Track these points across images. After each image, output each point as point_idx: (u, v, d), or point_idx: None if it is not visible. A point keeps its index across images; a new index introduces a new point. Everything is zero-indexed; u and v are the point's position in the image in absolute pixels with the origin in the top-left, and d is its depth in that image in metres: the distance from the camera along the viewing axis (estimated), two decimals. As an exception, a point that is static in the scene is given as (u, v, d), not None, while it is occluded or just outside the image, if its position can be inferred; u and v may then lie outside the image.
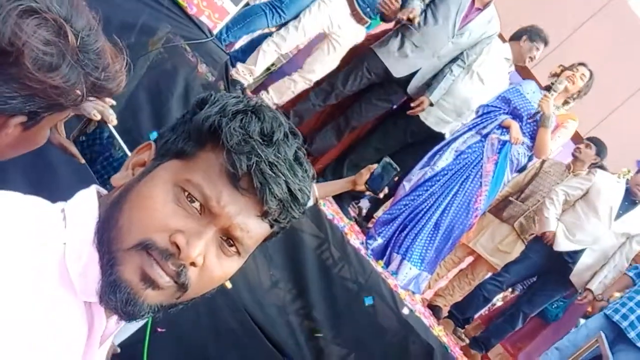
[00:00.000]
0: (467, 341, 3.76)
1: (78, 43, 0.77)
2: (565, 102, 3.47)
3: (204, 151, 0.67)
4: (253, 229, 0.68)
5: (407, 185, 3.56)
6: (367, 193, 2.38)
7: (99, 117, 1.24)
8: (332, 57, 3.42)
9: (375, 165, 2.22)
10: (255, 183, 0.65)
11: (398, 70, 3.45)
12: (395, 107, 3.78)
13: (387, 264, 3.48)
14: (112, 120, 1.26)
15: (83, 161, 1.29)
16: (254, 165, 0.65)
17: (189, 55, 2.94)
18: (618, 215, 3.61)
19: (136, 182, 0.69)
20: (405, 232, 3.49)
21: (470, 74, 3.56)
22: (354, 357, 3.05)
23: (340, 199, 3.70)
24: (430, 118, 3.63)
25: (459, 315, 3.77)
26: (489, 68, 3.58)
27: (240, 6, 3.02)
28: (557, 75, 3.56)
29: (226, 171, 0.65)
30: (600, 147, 3.92)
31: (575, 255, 3.59)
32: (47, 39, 0.74)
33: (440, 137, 3.70)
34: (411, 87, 3.54)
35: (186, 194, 0.66)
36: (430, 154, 3.56)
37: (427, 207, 3.50)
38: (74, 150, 1.31)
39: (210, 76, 3.01)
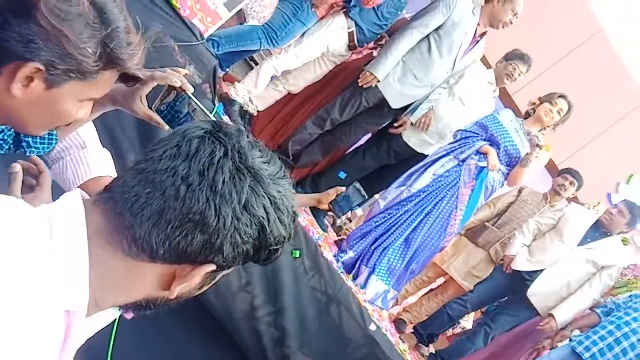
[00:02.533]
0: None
1: (96, 8, 0.86)
2: (542, 129, 3.55)
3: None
4: None
5: (382, 203, 3.60)
6: (329, 213, 2.42)
7: (179, 84, 1.28)
8: (319, 74, 3.47)
9: (344, 188, 2.26)
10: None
11: (397, 102, 3.51)
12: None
13: (356, 277, 3.51)
14: (189, 88, 1.31)
15: (167, 128, 1.32)
16: None
17: (177, 56, 2.94)
18: (585, 242, 3.69)
19: (196, 293, 0.83)
20: (375, 246, 3.53)
21: (452, 97, 3.63)
22: (319, 367, 3.06)
23: (317, 210, 3.73)
24: (414, 139, 3.68)
25: (422, 331, 3.82)
26: (471, 91, 3.65)
27: (233, 13, 3.03)
28: (535, 105, 3.64)
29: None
30: (580, 182, 4.02)
31: (534, 274, 3.67)
32: None
33: (422, 157, 3.75)
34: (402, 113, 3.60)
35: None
36: (407, 174, 3.61)
37: (400, 224, 3.54)
38: (158, 119, 1.34)
39: (197, 79, 3.00)
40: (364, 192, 2.29)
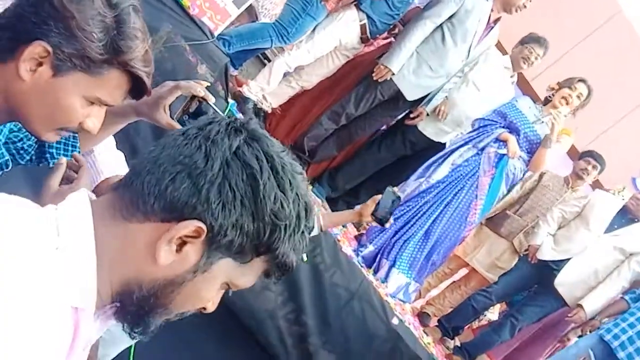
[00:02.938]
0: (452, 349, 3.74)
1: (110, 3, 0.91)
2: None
3: (260, 259, 0.74)
4: None
5: (401, 195, 3.56)
6: (374, 224, 2.44)
7: (202, 94, 1.32)
8: (331, 69, 3.44)
9: (379, 196, 2.26)
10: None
11: (412, 94, 3.46)
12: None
13: (376, 271, 3.48)
14: (211, 98, 1.35)
15: None
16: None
17: (189, 55, 2.93)
18: (612, 229, 3.61)
19: (192, 278, 0.72)
20: (395, 239, 3.50)
21: (466, 83, 3.57)
22: (345, 364, 3.05)
23: (335, 205, 3.71)
24: (429, 129, 3.63)
25: (447, 324, 3.77)
26: (486, 77, 3.58)
27: (242, 9, 3.02)
28: (554, 89, 3.57)
29: (269, 274, 0.77)
30: (602, 165, 3.92)
31: (560, 263, 3.60)
32: None
33: (439, 146, 3.70)
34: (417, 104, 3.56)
35: (228, 286, 0.77)
36: (426, 165, 3.57)
37: (419, 215, 3.50)
38: (179, 128, 1.37)
39: (209, 77, 3.00)
40: (398, 194, 2.30)
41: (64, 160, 1.18)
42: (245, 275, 0.75)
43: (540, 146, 3.44)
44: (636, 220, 3.63)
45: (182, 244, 0.69)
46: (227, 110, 2.89)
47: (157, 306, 0.72)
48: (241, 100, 3.31)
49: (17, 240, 0.63)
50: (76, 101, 0.93)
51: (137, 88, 0.97)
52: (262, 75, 3.38)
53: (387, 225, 2.35)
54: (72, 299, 0.66)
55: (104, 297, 0.70)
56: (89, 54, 0.89)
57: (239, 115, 3.10)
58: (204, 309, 0.78)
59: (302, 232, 0.74)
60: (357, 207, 2.44)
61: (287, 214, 0.71)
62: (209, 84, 1.39)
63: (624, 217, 3.63)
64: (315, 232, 2.25)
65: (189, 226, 0.68)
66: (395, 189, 2.35)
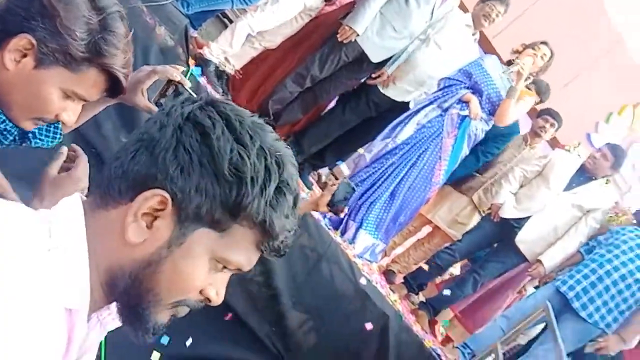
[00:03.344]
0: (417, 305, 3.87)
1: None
2: (525, 79, 3.52)
3: (240, 225, 0.70)
4: None
5: (367, 156, 3.59)
6: (329, 214, 2.49)
7: (178, 78, 1.37)
8: (295, 28, 3.36)
9: (335, 187, 2.30)
10: (281, 252, 0.73)
11: (376, 55, 3.42)
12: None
13: (344, 233, 3.53)
14: (187, 83, 1.40)
15: None
16: (286, 241, 0.73)
17: (146, 17, 2.82)
18: (570, 187, 3.73)
19: (169, 253, 0.69)
20: (361, 201, 3.54)
21: (427, 42, 3.56)
22: (312, 323, 3.11)
23: (301, 168, 3.70)
24: (391, 90, 3.62)
25: (412, 281, 3.88)
26: (447, 35, 3.56)
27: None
28: (518, 52, 3.60)
29: (258, 245, 0.72)
30: (559, 123, 4.01)
31: (521, 221, 3.71)
32: None
33: (403, 104, 3.71)
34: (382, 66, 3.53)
35: (222, 266, 0.72)
36: (391, 125, 3.58)
37: (385, 177, 3.55)
38: (156, 110, 1.44)
39: (169, 40, 2.90)
40: (353, 185, 2.37)
41: (64, 149, 1.25)
42: (231, 248, 0.69)
43: (506, 97, 3.49)
44: (594, 178, 3.76)
45: (152, 220, 0.68)
46: (189, 74, 2.81)
47: (144, 292, 0.69)
48: (203, 62, 3.22)
49: (9, 242, 0.61)
50: (54, 93, 0.99)
51: (114, 87, 1.03)
52: (224, 37, 3.28)
53: (342, 215, 2.41)
54: (65, 301, 0.64)
55: (96, 296, 0.69)
56: (71, 51, 0.96)
57: (201, 79, 3.02)
58: (209, 300, 0.73)
59: (279, 188, 0.69)
60: (312, 197, 2.47)
61: (250, 166, 0.67)
62: (184, 69, 1.42)
63: (582, 175, 3.75)
64: None
65: (150, 197, 0.67)
66: (349, 180, 2.40)
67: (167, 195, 0.67)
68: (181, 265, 0.69)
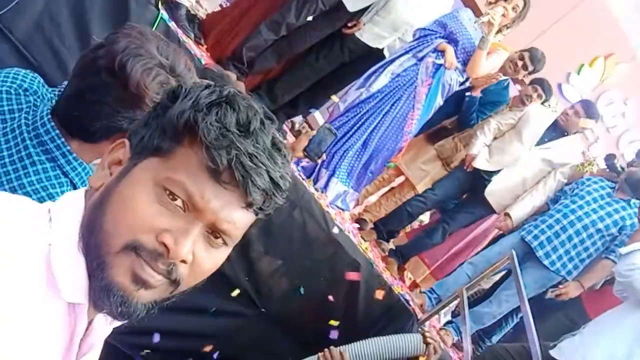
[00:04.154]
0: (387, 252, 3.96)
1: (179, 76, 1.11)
2: (499, 31, 3.51)
3: (182, 147, 0.66)
4: (238, 220, 0.69)
5: (341, 105, 3.57)
6: (305, 159, 2.39)
7: None
8: None
9: (313, 132, 2.21)
10: (237, 176, 0.65)
11: (354, 5, 3.34)
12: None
13: (316, 181, 3.55)
14: None
15: None
16: (234, 158, 0.64)
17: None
18: (542, 142, 3.79)
19: (116, 184, 0.67)
20: (334, 149, 3.54)
21: None
22: (285, 270, 3.17)
23: (275, 116, 3.67)
24: (366, 34, 3.56)
25: (382, 227, 3.95)
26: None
27: None
28: (492, 3, 3.56)
29: (206, 166, 0.65)
30: (548, 97, 4.02)
31: (492, 174, 3.77)
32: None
33: (378, 54, 3.66)
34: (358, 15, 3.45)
35: (168, 192, 0.66)
36: (366, 75, 3.55)
37: (359, 126, 3.54)
38: None
39: (137, -19, 2.77)
40: (334, 130, 2.25)
41: None
42: (174, 168, 0.66)
43: (477, 47, 3.49)
44: (566, 133, 3.82)
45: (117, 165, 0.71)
46: (158, 19, 2.72)
47: (96, 235, 0.65)
48: (173, 6, 3.10)
49: (10, 236, 0.60)
50: None
51: None
52: None
53: (319, 161, 2.33)
54: (66, 295, 0.64)
55: None
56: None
57: (171, 24, 2.92)
58: (167, 249, 0.65)
59: (218, 103, 0.66)
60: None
61: (187, 89, 0.68)
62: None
63: (555, 130, 3.80)
64: None
65: (113, 147, 0.71)
66: (329, 125, 2.31)
67: (126, 141, 0.70)
68: (125, 193, 0.66)
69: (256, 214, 0.70)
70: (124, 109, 1.09)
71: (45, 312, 0.62)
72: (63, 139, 1.15)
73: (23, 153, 1.14)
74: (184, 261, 0.66)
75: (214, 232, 0.68)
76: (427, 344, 2.51)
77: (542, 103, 4.02)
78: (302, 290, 3.07)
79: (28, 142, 1.14)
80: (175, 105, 0.67)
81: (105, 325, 0.71)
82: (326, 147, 2.26)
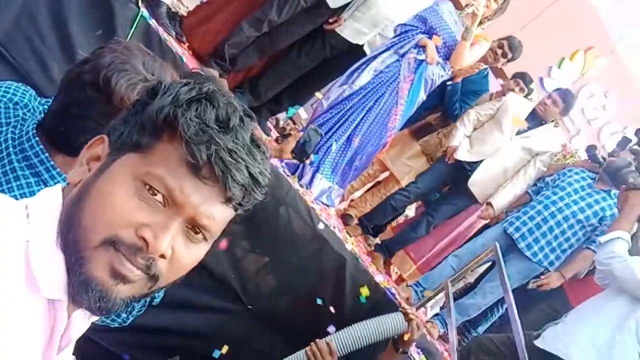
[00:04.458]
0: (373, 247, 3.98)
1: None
2: (480, 23, 3.53)
3: (161, 142, 0.67)
4: (218, 215, 0.69)
5: (325, 102, 3.58)
6: (293, 160, 2.42)
7: None
8: None
9: (301, 134, 2.24)
10: (216, 171, 0.66)
11: (335, 1, 3.36)
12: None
13: (300, 177, 3.55)
14: None
15: None
16: (214, 153, 0.65)
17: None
18: (522, 131, 3.83)
19: (95, 179, 0.67)
20: (318, 145, 3.55)
21: None
22: (271, 267, 3.18)
23: (258, 114, 3.67)
24: (346, 30, 3.57)
25: (367, 222, 3.97)
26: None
27: None
28: None
29: (186, 162, 0.65)
30: (529, 91, 4.09)
31: (474, 165, 3.80)
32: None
33: (359, 51, 3.68)
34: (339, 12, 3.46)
35: (147, 187, 0.66)
36: (349, 72, 3.56)
37: (342, 122, 3.56)
38: None
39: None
40: (320, 131, 2.29)
41: None
42: (153, 163, 0.66)
43: (461, 39, 3.52)
44: (544, 122, 3.86)
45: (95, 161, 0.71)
46: (138, 17, 2.70)
47: (75, 230, 0.65)
48: (153, 4, 3.09)
49: None
50: None
51: None
52: None
53: (307, 162, 2.36)
54: (45, 291, 0.64)
55: None
56: None
57: (152, 22, 2.90)
58: (146, 243, 0.65)
59: (197, 99, 0.67)
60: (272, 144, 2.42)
61: (167, 85, 0.70)
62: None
63: (534, 119, 3.84)
64: None
65: (92, 143, 0.71)
66: (316, 127, 2.34)
67: (104, 137, 0.71)
68: (104, 188, 0.66)
69: (235, 210, 0.71)
70: (108, 124, 1.13)
71: (25, 309, 0.62)
72: (47, 154, 1.15)
73: (7, 167, 1.14)
74: (163, 256, 0.66)
75: (194, 227, 0.68)
76: (409, 320, 2.54)
77: (525, 96, 4.07)
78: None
79: (13, 156, 1.15)
80: (154, 102, 0.68)
81: (83, 320, 0.71)
82: (313, 148, 2.30)
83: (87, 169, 0.70)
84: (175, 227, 0.66)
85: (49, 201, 0.69)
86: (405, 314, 2.57)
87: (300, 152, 2.27)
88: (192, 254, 0.70)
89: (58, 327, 0.67)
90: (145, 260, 0.66)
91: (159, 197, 0.66)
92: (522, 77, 4.09)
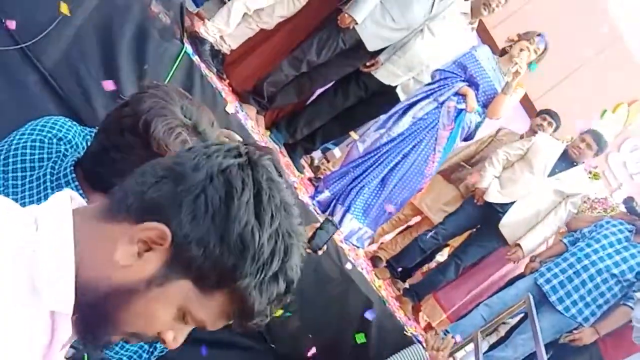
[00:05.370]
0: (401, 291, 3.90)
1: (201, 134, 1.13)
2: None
3: (222, 293, 0.69)
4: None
5: (360, 146, 3.59)
6: (307, 250, 2.46)
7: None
8: (292, 10, 3.33)
9: (317, 224, 2.27)
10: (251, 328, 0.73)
11: (373, 45, 3.42)
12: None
13: (331, 216, 3.54)
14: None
15: None
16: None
17: (142, -8, 2.80)
18: (553, 173, 3.73)
19: (146, 290, 0.68)
20: (351, 185, 3.55)
21: (420, 27, 3.54)
22: (296, 306, 3.14)
23: (293, 151, 3.72)
24: (380, 71, 3.61)
25: (395, 264, 3.89)
26: (441, 22, 3.53)
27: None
28: (513, 41, 3.60)
29: (230, 316, 0.71)
30: (557, 123, 4.05)
31: (505, 206, 3.71)
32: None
33: (392, 93, 3.70)
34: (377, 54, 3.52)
35: (185, 318, 0.71)
36: (386, 116, 3.58)
37: (378, 164, 3.56)
38: None
39: (163, 17, 2.87)
40: (335, 222, 2.37)
41: None
42: (204, 307, 0.69)
43: (501, 92, 3.50)
44: (575, 164, 3.77)
45: (146, 249, 0.68)
46: (182, 53, 2.80)
47: (108, 315, 0.68)
48: (197, 41, 3.21)
49: None
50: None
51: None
52: (220, 16, 3.26)
53: (319, 253, 2.38)
54: (49, 303, 0.65)
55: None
56: None
57: (195, 58, 3.00)
58: (164, 341, 0.72)
59: (276, 275, 0.69)
60: None
61: (257, 244, 0.67)
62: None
63: (565, 161, 3.75)
64: None
65: (152, 228, 0.66)
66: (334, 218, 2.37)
67: (169, 233, 0.66)
68: (152, 306, 0.68)
69: None
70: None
71: (25, 319, 0.62)
72: (82, 191, 1.17)
73: (43, 201, 1.17)
74: None
75: None
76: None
77: (554, 130, 4.01)
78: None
79: (49, 191, 1.17)
80: (244, 263, 0.67)
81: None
82: (328, 239, 2.33)
83: (137, 253, 0.68)
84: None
85: (58, 211, 0.69)
86: (426, 344, 2.50)
87: (316, 243, 2.29)
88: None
89: (59, 338, 0.67)
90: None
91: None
92: (547, 112, 4.04)
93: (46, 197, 1.16)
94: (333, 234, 2.33)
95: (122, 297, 0.68)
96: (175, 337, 0.71)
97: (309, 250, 2.36)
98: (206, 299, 0.69)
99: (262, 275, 0.68)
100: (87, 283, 0.67)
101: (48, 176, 1.19)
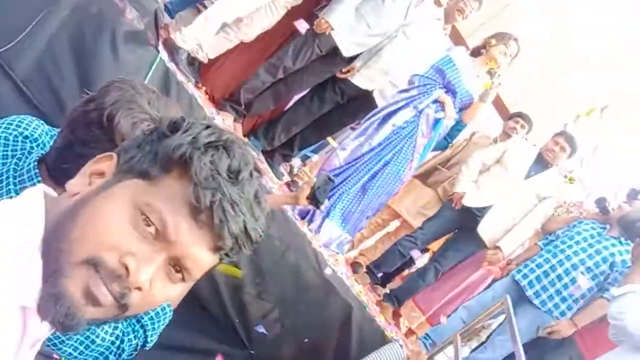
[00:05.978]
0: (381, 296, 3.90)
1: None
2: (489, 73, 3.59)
3: (170, 177, 0.68)
4: (203, 260, 0.70)
5: (341, 154, 3.61)
6: (310, 206, 2.50)
7: None
8: (272, 21, 3.34)
9: (314, 180, 2.31)
10: (215, 219, 0.66)
11: (349, 50, 3.45)
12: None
13: (310, 223, 3.55)
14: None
15: None
16: (218, 201, 0.66)
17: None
18: (529, 176, 3.80)
19: (94, 195, 0.68)
20: (330, 193, 3.55)
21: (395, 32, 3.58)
22: (277, 312, 3.13)
23: (271, 158, 3.72)
24: (356, 76, 3.63)
25: (375, 270, 3.91)
26: (415, 27, 3.57)
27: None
28: (490, 44, 3.64)
29: (189, 202, 0.66)
30: (530, 125, 4.12)
31: (483, 210, 3.77)
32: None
33: (369, 97, 3.73)
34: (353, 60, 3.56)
35: (143, 217, 0.66)
36: (365, 125, 3.60)
37: (357, 172, 3.58)
38: None
39: (138, 24, 2.86)
40: (332, 177, 2.38)
41: None
42: (156, 195, 0.66)
43: (478, 99, 3.57)
44: (549, 165, 3.84)
45: (97, 178, 0.71)
46: (157, 61, 2.80)
47: (59, 241, 0.65)
48: (174, 49, 3.20)
49: None
50: None
51: None
52: (197, 24, 3.25)
53: (323, 207, 2.41)
54: (19, 299, 0.64)
55: None
56: None
57: (170, 65, 3.00)
58: (127, 271, 0.64)
59: (215, 145, 0.68)
60: (293, 192, 2.49)
61: (189, 125, 0.70)
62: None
63: (539, 163, 3.83)
64: None
65: (99, 158, 0.71)
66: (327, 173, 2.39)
67: (115, 155, 0.70)
68: (100, 206, 0.66)
69: (220, 259, 0.72)
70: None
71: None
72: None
73: (5, 197, 1.15)
74: (139, 288, 0.66)
75: (176, 266, 0.69)
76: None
77: (527, 132, 4.08)
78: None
79: (12, 186, 1.16)
80: (174, 137, 0.69)
81: (48, 329, 0.70)
82: (328, 194, 2.35)
83: (88, 182, 0.70)
84: (159, 262, 0.67)
85: (30, 205, 0.69)
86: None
87: (317, 198, 2.32)
88: (166, 292, 0.70)
89: (29, 335, 0.66)
90: (121, 288, 0.66)
91: (151, 229, 0.66)
92: (520, 115, 4.12)
93: (8, 193, 1.15)
94: (329, 188, 2.36)
95: (71, 215, 0.66)
96: (138, 265, 0.65)
97: (311, 205, 2.39)
98: (157, 187, 0.67)
99: (197, 141, 0.68)
100: (49, 228, 0.67)
101: (11, 172, 1.17)
